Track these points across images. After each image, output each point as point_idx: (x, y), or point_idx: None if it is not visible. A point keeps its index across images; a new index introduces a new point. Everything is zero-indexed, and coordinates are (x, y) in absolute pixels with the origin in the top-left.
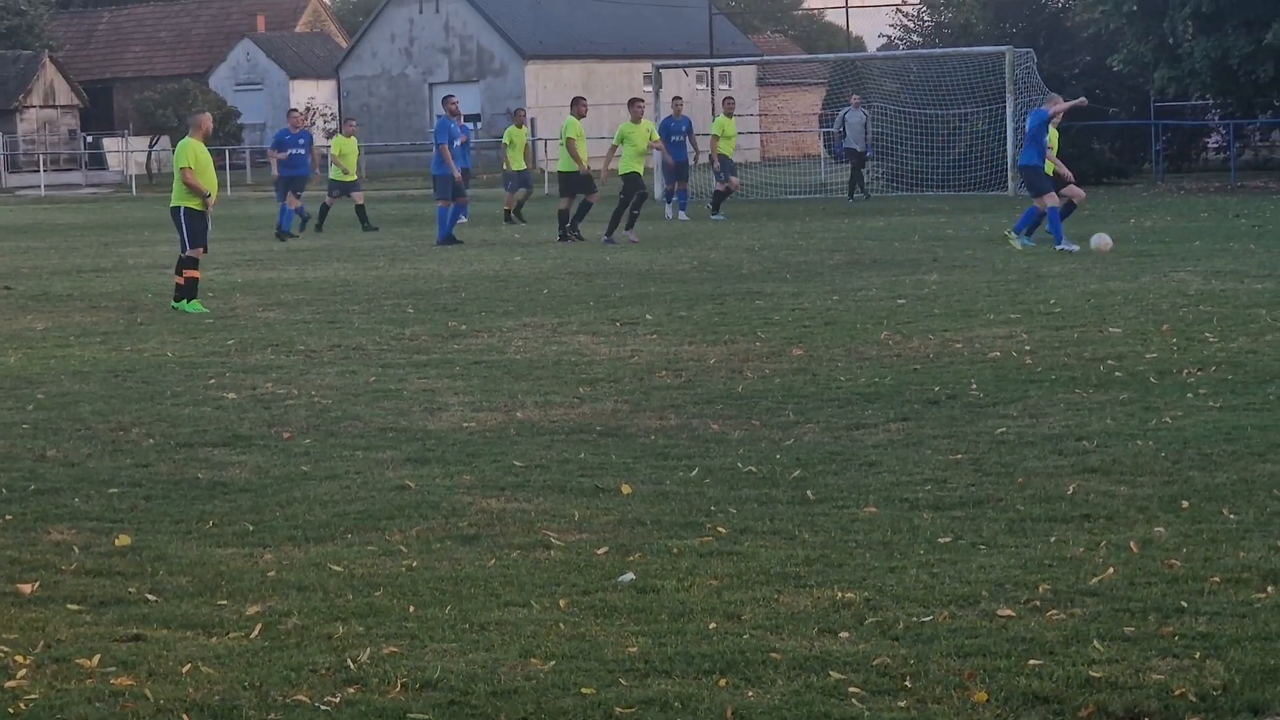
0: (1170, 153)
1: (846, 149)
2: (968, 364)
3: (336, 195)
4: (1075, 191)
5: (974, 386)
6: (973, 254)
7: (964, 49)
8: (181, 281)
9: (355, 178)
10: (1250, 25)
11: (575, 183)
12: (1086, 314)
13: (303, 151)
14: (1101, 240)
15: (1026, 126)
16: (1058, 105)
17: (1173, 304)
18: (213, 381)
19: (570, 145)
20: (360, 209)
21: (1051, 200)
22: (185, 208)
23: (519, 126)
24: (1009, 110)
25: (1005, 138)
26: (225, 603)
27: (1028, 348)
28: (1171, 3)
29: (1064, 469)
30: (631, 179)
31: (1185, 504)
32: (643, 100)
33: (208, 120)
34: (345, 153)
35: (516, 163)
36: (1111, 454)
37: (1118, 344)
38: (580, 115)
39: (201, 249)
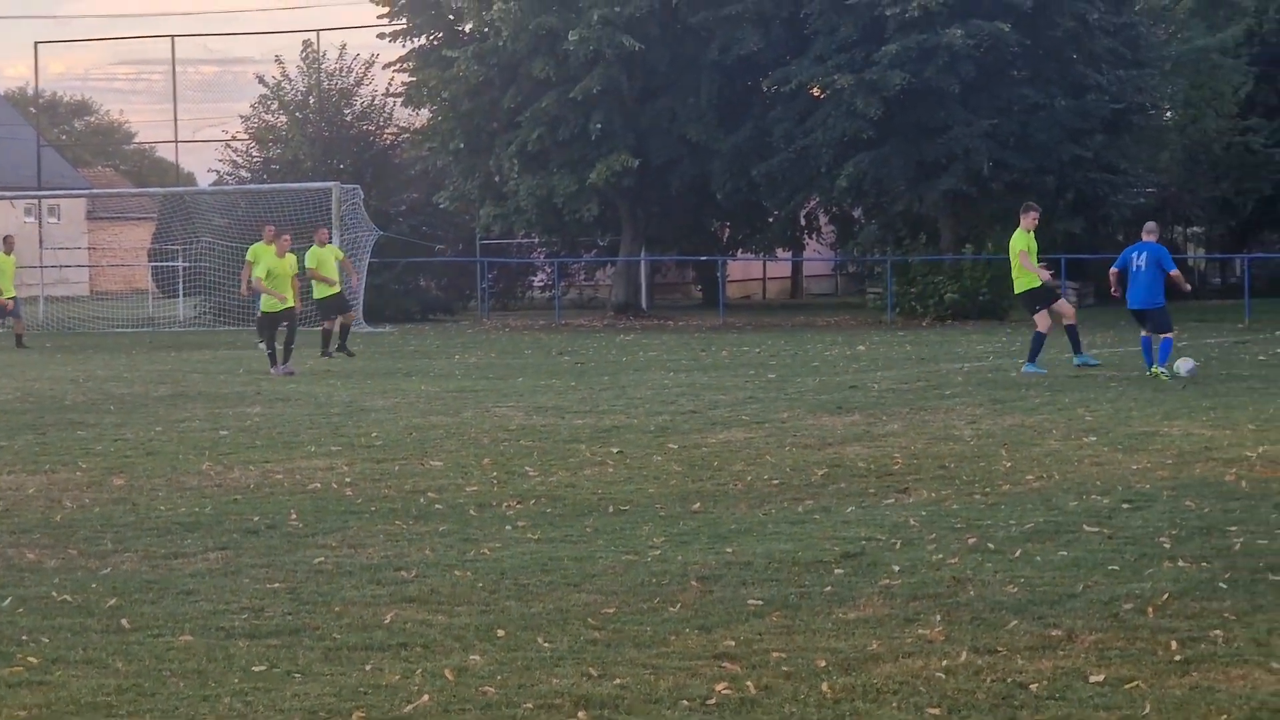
0: (497, 290)
1: None
2: (288, 494)
3: None
4: (1066, 308)
5: (294, 517)
6: (296, 387)
7: (292, 185)
8: None
9: None
10: (574, 165)
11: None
12: (408, 447)
13: None
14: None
15: (1144, 267)
16: (1154, 235)
17: (494, 438)
18: None
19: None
20: None
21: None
22: None
23: (8, 254)
24: (335, 244)
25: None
26: None
27: (348, 479)
28: (498, 141)
29: (382, 598)
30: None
31: (501, 632)
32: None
33: None
34: None
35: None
36: (430, 584)
37: (439, 477)
38: (322, 243)
39: None
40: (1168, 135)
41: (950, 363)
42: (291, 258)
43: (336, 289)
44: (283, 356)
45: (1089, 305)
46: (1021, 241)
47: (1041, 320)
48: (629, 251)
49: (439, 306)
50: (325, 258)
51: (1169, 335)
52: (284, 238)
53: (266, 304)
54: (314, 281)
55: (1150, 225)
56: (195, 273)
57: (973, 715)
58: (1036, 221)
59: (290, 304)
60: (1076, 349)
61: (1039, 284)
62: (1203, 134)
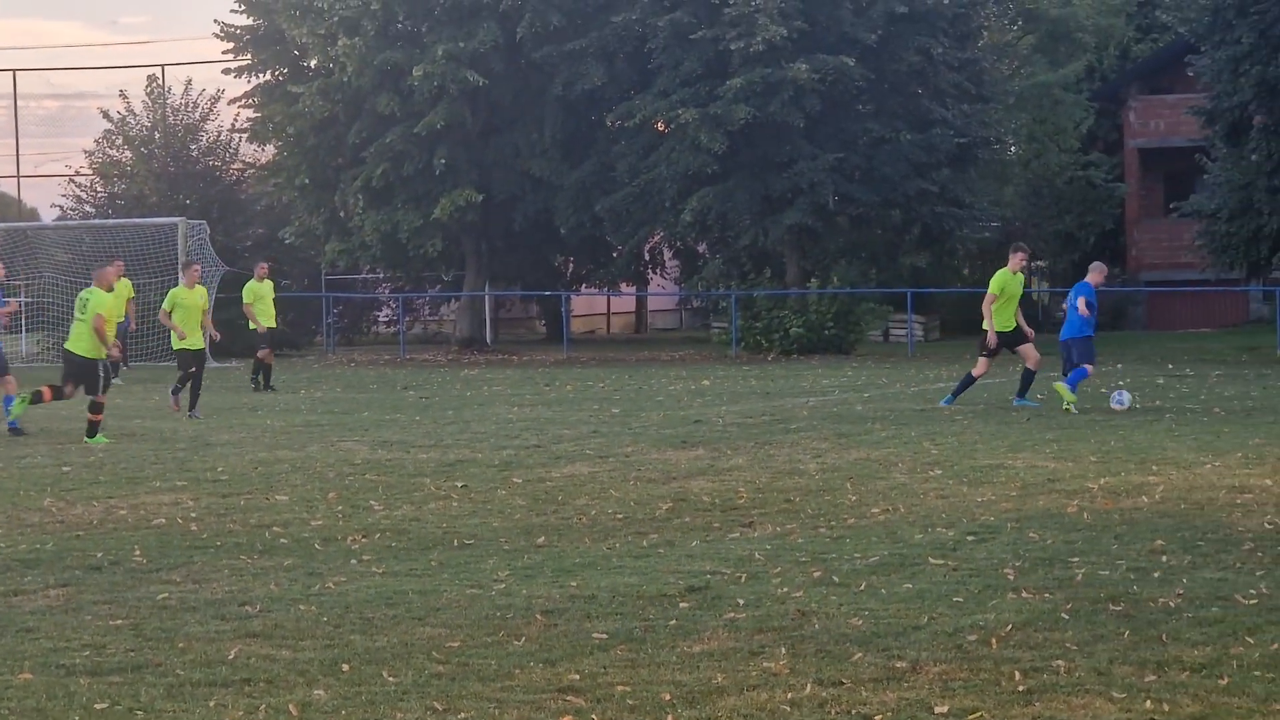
0: (342, 325)
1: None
2: (132, 530)
3: None
4: (1031, 354)
5: (137, 553)
6: (142, 422)
7: (138, 220)
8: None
9: None
10: (419, 200)
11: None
12: (254, 481)
13: None
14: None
15: (1069, 301)
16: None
17: (340, 472)
18: None
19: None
20: None
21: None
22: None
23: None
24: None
25: None
26: None
27: (194, 514)
28: (343, 176)
29: (226, 633)
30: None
31: (346, 667)
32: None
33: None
34: None
35: None
36: (274, 619)
37: (284, 511)
38: (260, 278)
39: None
40: (1012, 170)
41: (795, 397)
42: (202, 290)
43: (273, 324)
44: (190, 401)
45: (935, 340)
46: (995, 283)
47: (981, 366)
48: (473, 286)
49: (284, 341)
50: (264, 292)
51: (1087, 367)
52: (194, 267)
53: (179, 341)
54: (251, 317)
55: (1094, 264)
56: (38, 308)
57: None
58: (1023, 262)
59: (201, 345)
60: (1022, 392)
61: (1010, 328)
62: (1046, 168)
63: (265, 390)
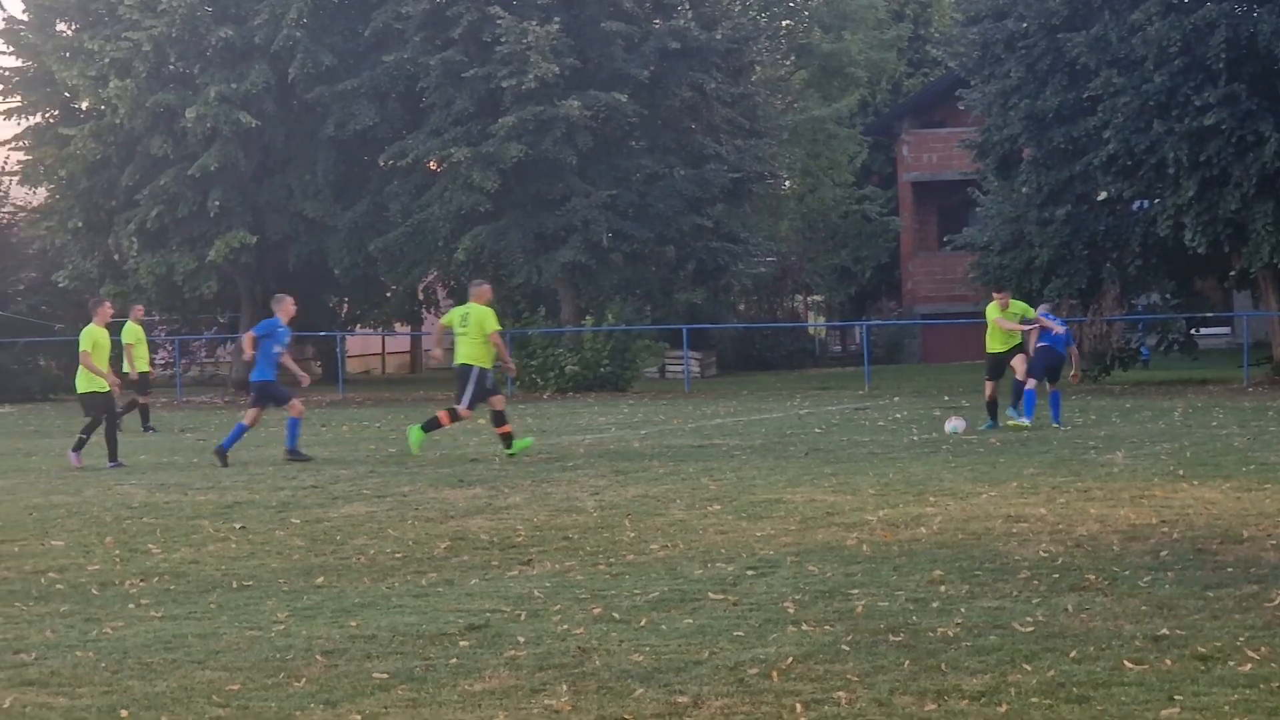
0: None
1: None
2: None
3: None
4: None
5: None
6: None
7: None
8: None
9: None
10: (194, 243)
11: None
12: (29, 527)
13: None
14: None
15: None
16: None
17: (117, 516)
18: None
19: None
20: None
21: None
22: None
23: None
24: None
25: None
26: None
27: None
28: (117, 219)
29: (1, 682)
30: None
31: (125, 713)
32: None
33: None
34: None
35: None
36: (50, 666)
37: (60, 556)
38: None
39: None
40: (787, 204)
41: (572, 435)
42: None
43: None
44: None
45: (712, 376)
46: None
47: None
48: (249, 328)
49: (60, 386)
50: (141, 335)
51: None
52: (105, 305)
53: (90, 383)
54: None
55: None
56: None
57: None
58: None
59: (109, 387)
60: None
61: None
62: (820, 203)
63: (147, 431)
